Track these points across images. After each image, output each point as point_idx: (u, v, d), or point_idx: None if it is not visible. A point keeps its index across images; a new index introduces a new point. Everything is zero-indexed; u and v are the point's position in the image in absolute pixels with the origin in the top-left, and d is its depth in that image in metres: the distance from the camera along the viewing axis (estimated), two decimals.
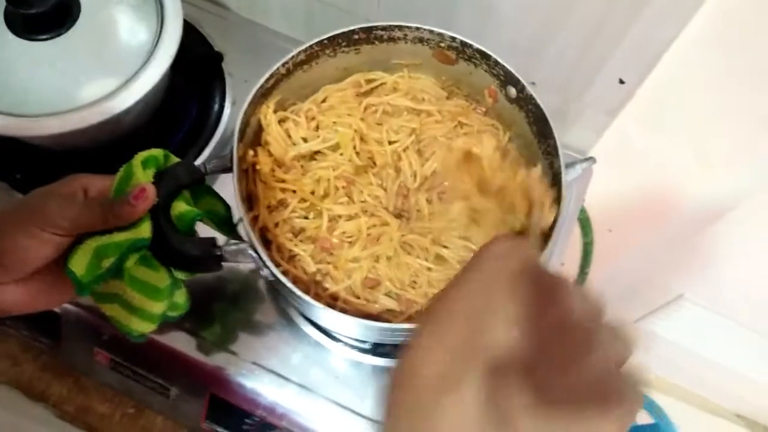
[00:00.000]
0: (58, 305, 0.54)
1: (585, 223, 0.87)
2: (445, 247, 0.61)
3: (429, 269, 0.60)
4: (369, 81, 0.69)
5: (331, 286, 0.60)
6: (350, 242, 0.61)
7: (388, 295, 0.60)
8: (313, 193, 0.63)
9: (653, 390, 1.53)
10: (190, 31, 0.84)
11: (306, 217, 0.63)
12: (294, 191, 0.63)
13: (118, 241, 0.51)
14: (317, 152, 0.65)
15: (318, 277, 0.60)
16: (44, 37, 0.66)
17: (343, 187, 0.64)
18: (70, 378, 0.78)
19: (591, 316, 0.30)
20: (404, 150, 0.66)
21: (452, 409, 0.28)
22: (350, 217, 0.62)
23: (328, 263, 0.61)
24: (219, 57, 0.84)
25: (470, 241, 0.61)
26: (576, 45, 0.71)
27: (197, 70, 0.82)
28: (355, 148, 0.65)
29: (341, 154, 0.65)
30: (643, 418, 1.31)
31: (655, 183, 0.91)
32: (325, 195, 0.64)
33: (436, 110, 0.68)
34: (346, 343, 0.69)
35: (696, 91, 0.73)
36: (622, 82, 0.73)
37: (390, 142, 0.66)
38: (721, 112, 0.75)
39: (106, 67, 0.67)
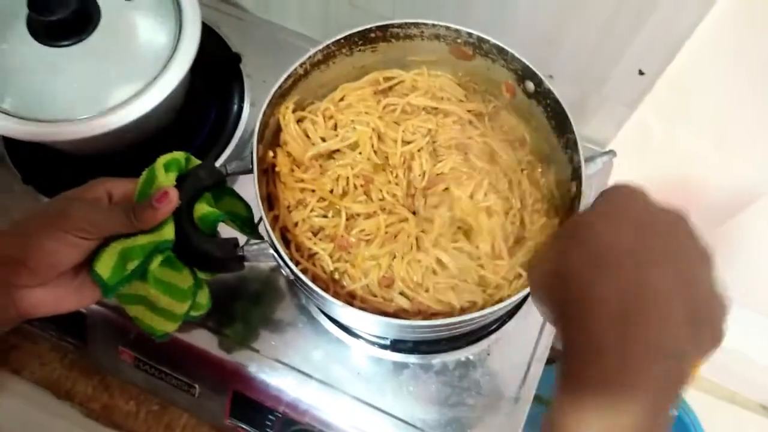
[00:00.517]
0: (84, 307, 0.55)
1: None
2: (443, 250, 0.61)
3: (434, 272, 0.60)
4: (387, 79, 0.69)
5: (348, 284, 0.60)
6: (368, 240, 0.61)
7: (402, 294, 0.60)
8: (331, 191, 0.64)
9: None
10: (208, 34, 0.84)
11: (325, 216, 0.63)
12: (313, 190, 0.63)
13: (143, 244, 0.52)
14: (335, 151, 0.66)
15: (336, 276, 0.61)
16: (66, 43, 0.66)
17: (361, 186, 0.64)
18: (96, 377, 0.80)
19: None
20: (419, 150, 0.66)
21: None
22: (368, 215, 0.63)
23: (346, 261, 0.61)
24: (237, 58, 0.84)
25: (464, 249, 0.61)
26: (593, 36, 0.71)
27: (216, 72, 0.83)
28: (372, 146, 0.65)
29: (360, 153, 0.65)
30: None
31: (675, 175, 0.90)
32: (344, 194, 0.64)
33: (456, 111, 0.68)
34: (366, 340, 0.69)
35: (717, 80, 0.72)
36: (641, 72, 0.73)
37: (405, 142, 0.66)
38: (742, 101, 0.74)
39: (127, 71, 0.67)
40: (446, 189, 0.64)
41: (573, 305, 0.35)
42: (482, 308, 0.53)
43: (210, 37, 0.84)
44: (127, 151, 0.75)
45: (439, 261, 0.60)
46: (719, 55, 0.69)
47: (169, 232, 0.52)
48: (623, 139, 0.84)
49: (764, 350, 1.29)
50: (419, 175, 0.65)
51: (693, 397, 1.30)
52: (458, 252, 0.61)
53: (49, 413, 0.80)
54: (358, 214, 0.63)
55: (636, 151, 0.83)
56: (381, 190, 0.64)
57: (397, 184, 0.64)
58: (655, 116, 0.80)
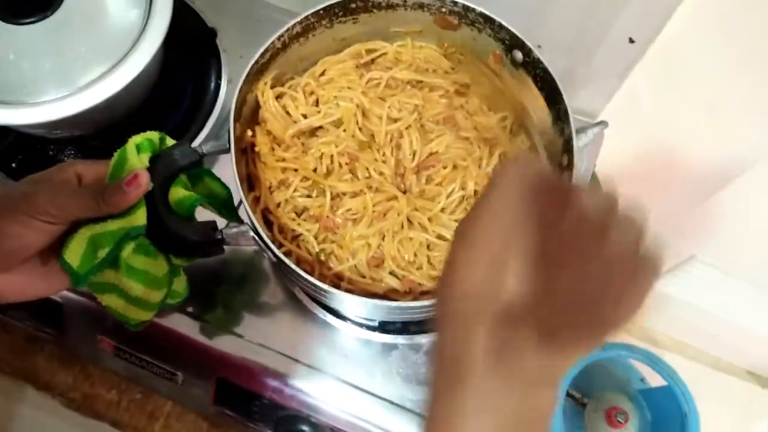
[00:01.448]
0: (53, 293, 0.53)
1: (595, 188, 0.85)
2: (443, 226, 0.59)
3: (429, 247, 0.58)
4: (369, 51, 0.67)
5: (335, 265, 0.58)
6: (355, 220, 0.59)
7: (392, 274, 0.58)
8: (315, 170, 0.61)
9: (664, 350, 1.53)
10: (181, 7, 0.80)
11: (309, 196, 0.61)
12: (295, 170, 0.61)
13: (113, 230, 0.49)
14: (318, 128, 0.63)
15: (322, 257, 0.58)
16: (29, 20, 0.63)
17: (346, 164, 0.61)
18: (75, 366, 0.78)
19: (606, 208, 0.32)
20: (407, 128, 0.63)
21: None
22: (355, 194, 0.60)
23: (332, 242, 0.59)
24: (212, 33, 0.81)
25: None
26: (582, 3, 0.68)
27: (191, 48, 0.80)
28: (357, 123, 0.62)
29: (344, 131, 0.63)
30: (656, 380, 1.31)
31: (666, 145, 0.88)
32: (328, 173, 0.61)
33: (442, 84, 0.65)
34: (353, 322, 0.68)
35: (709, 47, 0.70)
36: (632, 41, 0.70)
37: (391, 120, 0.63)
38: (735, 69, 0.72)
39: (96, 48, 0.64)
40: (454, 167, 0.62)
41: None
42: None
43: (184, 12, 0.81)
44: (100, 133, 0.72)
45: (440, 236, 0.58)
46: (711, 21, 0.67)
47: (140, 217, 0.50)
48: (613, 109, 0.82)
49: (751, 317, 1.30)
50: (409, 155, 0.62)
51: (678, 364, 1.31)
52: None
53: (29, 405, 0.78)
54: (344, 193, 0.60)
55: (626, 122, 0.81)
56: (368, 169, 0.61)
57: (384, 162, 0.62)
58: (646, 86, 0.78)
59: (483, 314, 0.32)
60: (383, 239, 0.59)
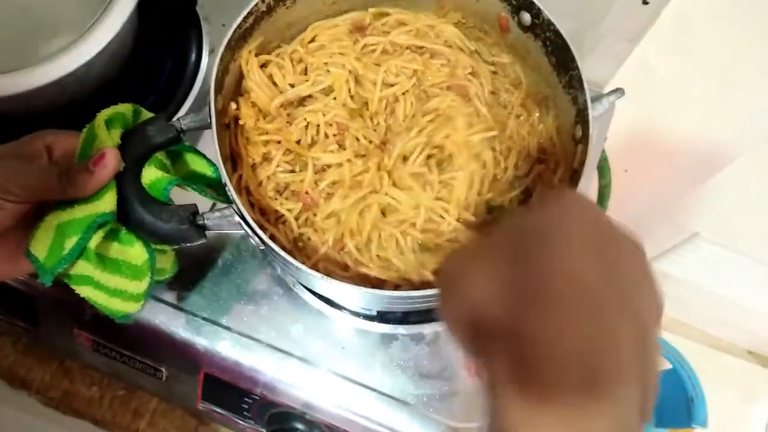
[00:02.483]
0: (22, 274, 0.51)
1: (603, 163, 0.80)
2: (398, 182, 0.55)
3: (384, 213, 0.54)
4: (377, 16, 0.61)
5: (311, 252, 0.53)
6: (330, 193, 0.54)
7: (357, 260, 0.53)
8: (299, 142, 0.56)
9: (663, 330, 1.51)
10: None
11: (292, 171, 0.56)
12: (279, 142, 0.56)
13: (80, 218, 0.44)
14: (306, 98, 0.58)
15: (300, 244, 0.53)
16: None
17: (334, 135, 0.56)
18: (53, 362, 0.73)
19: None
20: (403, 93, 0.58)
21: None
22: (339, 165, 0.55)
23: (310, 226, 0.54)
24: (192, 0, 0.75)
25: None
26: None
27: (169, 17, 0.74)
28: (349, 91, 0.57)
29: (334, 98, 0.57)
30: (662, 363, 1.28)
31: (676, 118, 0.84)
32: (313, 143, 0.56)
33: (444, 51, 0.60)
34: (350, 311, 0.63)
35: (727, 11, 0.66)
36: (645, 2, 0.66)
37: (387, 85, 0.58)
38: (753, 37, 0.67)
39: (60, 16, 0.60)
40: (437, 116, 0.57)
41: (512, 342, 0.28)
42: None
43: None
44: (71, 108, 0.66)
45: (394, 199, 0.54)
46: None
47: (108, 203, 0.45)
48: (622, 78, 0.78)
49: (753, 295, 1.27)
50: (402, 121, 0.57)
51: (678, 344, 1.29)
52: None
53: (4, 404, 0.73)
54: (328, 166, 0.55)
55: (633, 92, 0.77)
56: (357, 138, 0.56)
57: (375, 130, 0.57)
58: (658, 52, 0.73)
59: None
60: (360, 214, 0.54)
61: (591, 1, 0.68)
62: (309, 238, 0.53)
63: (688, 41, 0.71)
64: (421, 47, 0.60)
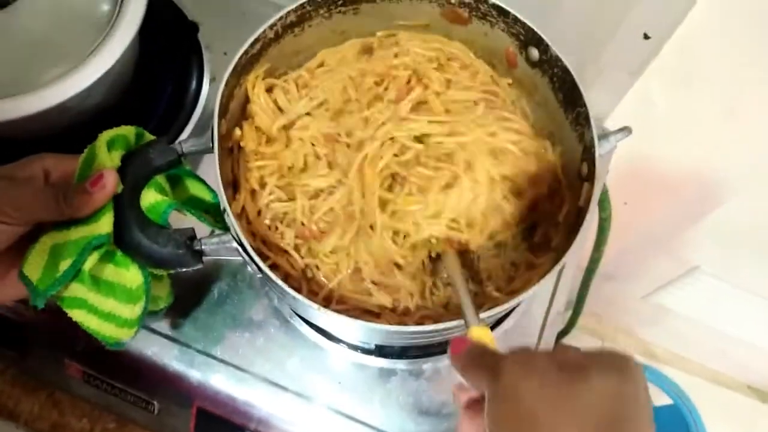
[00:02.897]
0: (12, 299, 0.50)
1: (603, 196, 0.80)
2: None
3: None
4: (383, 38, 0.61)
5: (323, 282, 0.52)
6: (330, 229, 0.53)
7: (374, 284, 0.52)
8: (292, 168, 0.55)
9: (663, 364, 1.49)
10: (160, 0, 0.75)
11: (290, 200, 0.55)
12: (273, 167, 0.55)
13: (75, 239, 0.44)
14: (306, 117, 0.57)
15: (309, 273, 0.52)
16: None
17: (325, 155, 0.55)
18: (42, 393, 0.71)
19: None
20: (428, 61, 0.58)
21: None
22: (332, 191, 0.54)
23: (314, 255, 0.53)
24: (194, 28, 0.76)
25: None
26: None
27: (170, 44, 0.74)
28: (348, 95, 0.56)
29: (327, 110, 0.57)
30: (661, 398, 1.26)
31: (677, 151, 0.84)
32: (305, 168, 0.55)
33: (464, 58, 0.60)
34: (347, 344, 0.62)
35: (730, 45, 0.66)
36: (646, 36, 0.66)
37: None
38: (756, 67, 0.67)
39: (62, 42, 0.59)
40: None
41: None
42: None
43: (163, 4, 0.76)
44: (71, 134, 0.65)
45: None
46: (733, 16, 0.62)
47: (104, 225, 0.44)
48: (623, 111, 0.77)
49: (751, 330, 1.26)
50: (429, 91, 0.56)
51: (678, 379, 1.28)
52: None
53: None
54: (321, 191, 0.54)
55: (638, 124, 0.76)
56: (347, 144, 0.55)
57: (367, 120, 0.55)
58: (659, 85, 0.73)
59: None
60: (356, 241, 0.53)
61: (592, 34, 0.68)
62: (318, 268, 0.52)
63: (689, 75, 0.71)
64: (436, 56, 0.60)
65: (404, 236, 0.52)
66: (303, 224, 0.53)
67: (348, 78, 0.57)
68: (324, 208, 0.53)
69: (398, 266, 0.52)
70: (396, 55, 0.58)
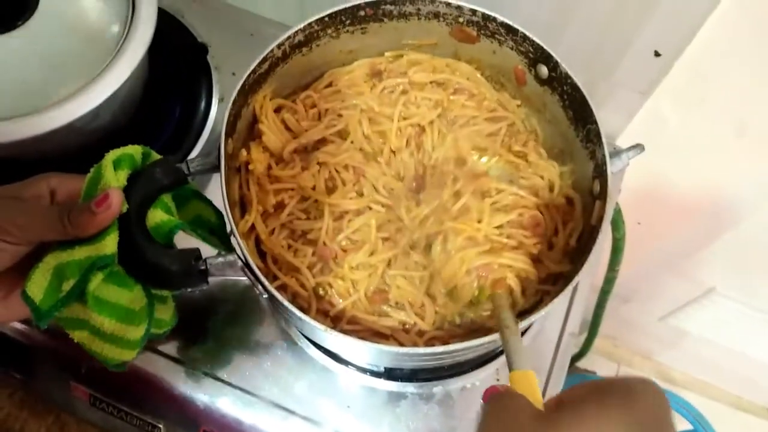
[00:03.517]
0: (15, 320, 0.49)
1: (617, 216, 0.79)
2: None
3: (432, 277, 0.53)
4: (394, 59, 0.61)
5: (336, 301, 0.51)
6: (356, 245, 0.53)
7: (398, 306, 0.52)
8: (314, 188, 0.55)
9: (681, 389, 1.46)
10: (170, 22, 0.76)
11: (307, 218, 0.54)
12: (292, 189, 0.55)
13: (79, 259, 0.43)
14: (320, 142, 0.57)
15: (321, 292, 0.52)
16: None
17: (353, 184, 0.55)
18: (49, 416, 0.71)
19: None
20: (430, 123, 0.57)
21: None
22: (359, 212, 0.54)
23: (330, 273, 0.52)
24: (203, 49, 0.76)
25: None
26: (604, 12, 0.63)
27: (180, 65, 0.74)
28: (364, 133, 0.56)
29: (352, 142, 0.56)
30: (681, 423, 1.23)
31: (690, 171, 0.83)
32: (331, 190, 0.55)
33: (468, 86, 0.60)
34: (356, 367, 0.60)
35: (741, 62, 0.65)
36: (657, 54, 0.65)
37: (406, 118, 0.57)
38: (766, 86, 0.66)
39: (71, 62, 0.59)
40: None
41: None
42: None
43: (173, 26, 0.76)
44: (79, 155, 0.65)
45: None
46: (744, 33, 0.61)
47: (109, 245, 0.43)
48: (634, 130, 0.77)
49: None
50: (432, 151, 0.56)
51: (697, 403, 1.25)
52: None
53: None
54: (347, 212, 0.54)
55: (649, 143, 0.75)
56: (375, 185, 0.55)
57: (395, 176, 0.56)
58: (671, 104, 0.72)
59: None
60: (388, 266, 0.52)
61: (602, 53, 0.68)
62: (330, 286, 0.52)
63: (701, 93, 0.70)
64: (442, 83, 0.59)
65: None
66: (325, 244, 0.53)
67: (361, 111, 0.57)
68: (351, 229, 0.53)
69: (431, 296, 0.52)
70: (404, 103, 0.58)
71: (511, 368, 0.39)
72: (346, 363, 0.60)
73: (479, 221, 0.52)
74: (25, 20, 0.58)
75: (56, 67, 0.58)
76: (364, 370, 0.60)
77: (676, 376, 1.51)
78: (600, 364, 1.47)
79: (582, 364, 1.37)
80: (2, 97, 0.56)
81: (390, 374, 0.60)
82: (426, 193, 0.55)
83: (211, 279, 0.47)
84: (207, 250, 0.48)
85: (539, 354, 0.63)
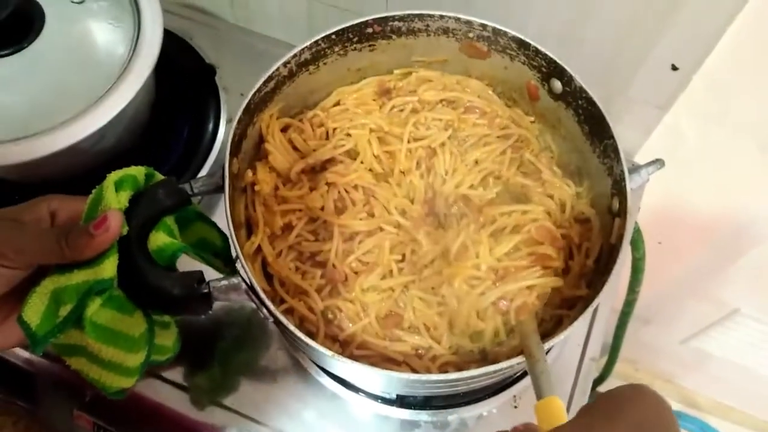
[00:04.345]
0: (12, 347, 0.46)
1: (636, 236, 0.76)
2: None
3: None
4: (402, 76, 0.60)
5: (345, 325, 0.49)
6: (367, 266, 0.51)
7: (411, 330, 0.50)
8: (322, 209, 0.53)
9: (706, 414, 1.41)
10: (178, 44, 0.77)
11: (316, 240, 0.53)
12: (300, 210, 0.53)
13: (77, 284, 0.42)
14: (328, 162, 0.56)
15: (329, 315, 0.50)
16: (2, 53, 0.57)
17: (363, 204, 0.54)
18: None
19: None
20: (441, 145, 0.56)
21: None
22: (371, 233, 0.52)
23: (341, 297, 0.51)
24: (212, 70, 0.76)
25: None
26: (620, 25, 0.62)
27: (188, 86, 0.74)
28: (374, 153, 0.55)
29: (362, 162, 0.55)
30: None
31: (710, 188, 0.80)
32: (342, 210, 0.54)
33: (480, 104, 0.58)
34: (367, 394, 0.59)
35: (761, 76, 0.63)
36: (674, 68, 0.63)
37: (415, 140, 0.56)
38: None
39: (76, 83, 0.59)
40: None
41: None
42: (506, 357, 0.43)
43: (181, 48, 0.77)
44: (84, 177, 0.65)
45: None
46: (766, 43, 0.59)
47: (108, 269, 0.42)
48: (652, 146, 0.75)
49: None
50: (443, 174, 0.54)
51: (725, 429, 1.21)
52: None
53: None
54: (357, 233, 0.52)
55: (668, 160, 0.73)
56: (386, 207, 0.53)
57: (407, 197, 0.54)
58: (690, 119, 0.70)
59: None
60: (405, 290, 0.50)
61: (617, 67, 0.66)
62: (340, 309, 0.50)
63: (721, 107, 0.68)
64: (453, 101, 0.58)
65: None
66: (334, 266, 0.51)
67: (370, 131, 0.56)
68: (362, 250, 0.52)
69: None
70: (414, 124, 0.57)
71: (538, 398, 0.39)
72: (356, 390, 0.59)
73: (477, 255, 0.51)
74: (31, 41, 0.58)
75: (61, 88, 0.58)
76: (375, 398, 0.58)
77: (699, 401, 1.47)
78: None
79: (602, 388, 1.33)
80: (7, 119, 0.56)
81: (403, 402, 0.58)
82: (432, 232, 0.54)
83: (215, 303, 0.46)
84: (210, 273, 0.46)
85: (559, 380, 0.60)
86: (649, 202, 0.75)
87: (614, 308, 0.90)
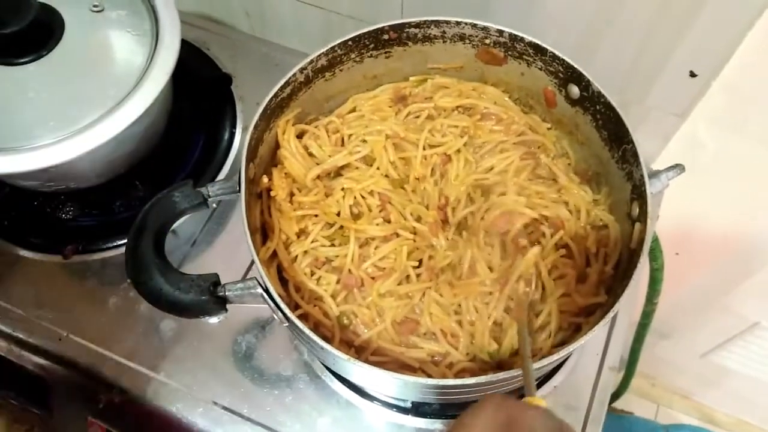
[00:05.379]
0: None
1: (654, 245, 0.75)
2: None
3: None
4: (418, 83, 0.60)
5: (360, 331, 0.49)
6: (384, 272, 0.51)
7: (427, 336, 0.49)
8: (338, 214, 0.53)
9: (724, 430, 1.39)
10: (196, 54, 0.77)
11: (332, 245, 0.53)
12: (316, 215, 0.53)
13: None
14: (344, 168, 0.56)
15: (344, 321, 0.49)
16: (22, 60, 0.58)
17: (379, 210, 0.54)
18: None
19: None
20: (457, 152, 0.56)
21: None
22: (386, 239, 0.52)
23: (356, 302, 0.50)
24: (227, 79, 0.76)
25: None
26: (637, 32, 0.61)
27: (204, 95, 0.75)
28: (390, 159, 0.55)
29: (378, 168, 0.55)
30: None
31: (729, 198, 0.79)
32: (356, 217, 0.53)
33: (496, 111, 0.58)
34: (382, 402, 0.58)
35: None
36: (693, 75, 0.63)
37: (431, 147, 0.56)
38: None
39: (94, 90, 0.59)
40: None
41: None
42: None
43: (198, 58, 0.77)
44: (102, 185, 0.65)
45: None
46: None
47: None
48: (670, 154, 0.74)
49: None
50: (455, 181, 0.54)
51: None
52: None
53: None
54: (373, 239, 0.52)
55: (686, 170, 0.73)
56: (401, 213, 0.53)
57: (422, 203, 0.54)
58: (709, 127, 0.69)
59: None
60: (423, 297, 0.50)
61: (635, 74, 0.66)
62: (355, 315, 0.50)
63: (741, 115, 0.67)
64: (469, 108, 0.58)
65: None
66: (350, 271, 0.51)
67: (386, 137, 0.56)
68: (378, 256, 0.51)
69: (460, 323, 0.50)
70: (430, 131, 0.57)
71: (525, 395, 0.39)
72: (371, 398, 0.58)
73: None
74: (50, 49, 0.59)
75: (79, 95, 0.58)
76: (390, 406, 0.58)
77: (718, 417, 1.44)
78: (637, 405, 1.41)
79: (618, 404, 1.31)
80: (26, 125, 0.56)
81: (418, 410, 0.57)
82: (449, 238, 0.53)
83: (229, 306, 0.46)
84: (226, 276, 0.46)
85: (576, 391, 0.59)
86: (667, 212, 0.74)
87: (632, 321, 0.89)
